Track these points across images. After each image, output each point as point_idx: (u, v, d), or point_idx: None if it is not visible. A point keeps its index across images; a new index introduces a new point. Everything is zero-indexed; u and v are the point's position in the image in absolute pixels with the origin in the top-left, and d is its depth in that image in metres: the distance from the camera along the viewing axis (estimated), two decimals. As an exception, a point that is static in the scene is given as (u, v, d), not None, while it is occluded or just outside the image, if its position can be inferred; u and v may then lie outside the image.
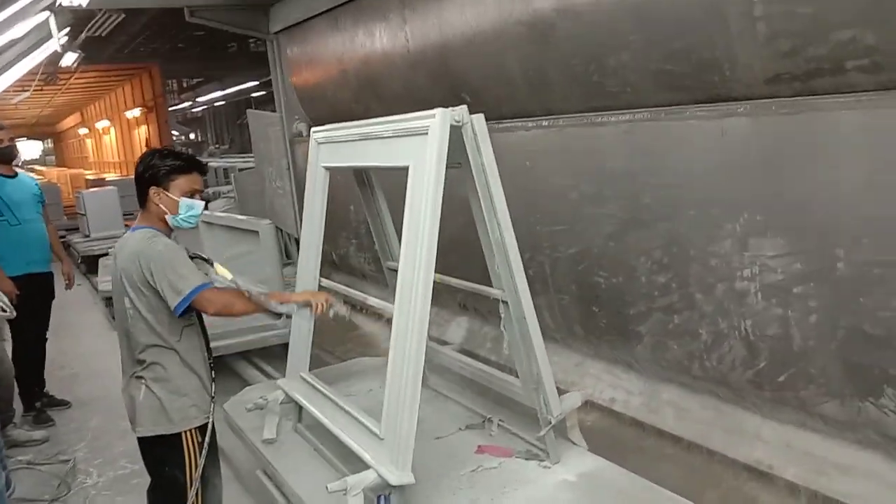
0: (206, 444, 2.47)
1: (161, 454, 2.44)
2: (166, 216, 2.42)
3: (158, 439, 2.40)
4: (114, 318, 2.65)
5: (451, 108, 2.13)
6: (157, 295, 2.32)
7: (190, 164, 2.48)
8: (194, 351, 2.45)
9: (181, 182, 2.42)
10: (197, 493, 2.44)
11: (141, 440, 2.44)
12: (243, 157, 17.22)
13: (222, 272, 2.59)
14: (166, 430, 2.38)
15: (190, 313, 2.39)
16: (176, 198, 2.41)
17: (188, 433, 2.41)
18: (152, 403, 2.37)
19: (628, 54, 3.09)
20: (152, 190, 2.40)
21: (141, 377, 2.39)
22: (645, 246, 3.18)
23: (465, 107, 2.17)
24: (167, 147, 2.37)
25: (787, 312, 2.73)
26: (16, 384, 4.54)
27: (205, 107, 26.38)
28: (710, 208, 2.86)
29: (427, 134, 2.12)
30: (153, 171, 2.40)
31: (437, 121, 2.10)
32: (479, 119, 2.20)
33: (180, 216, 2.42)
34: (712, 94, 2.88)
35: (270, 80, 6.88)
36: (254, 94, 19.39)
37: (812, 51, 2.44)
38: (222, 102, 24.44)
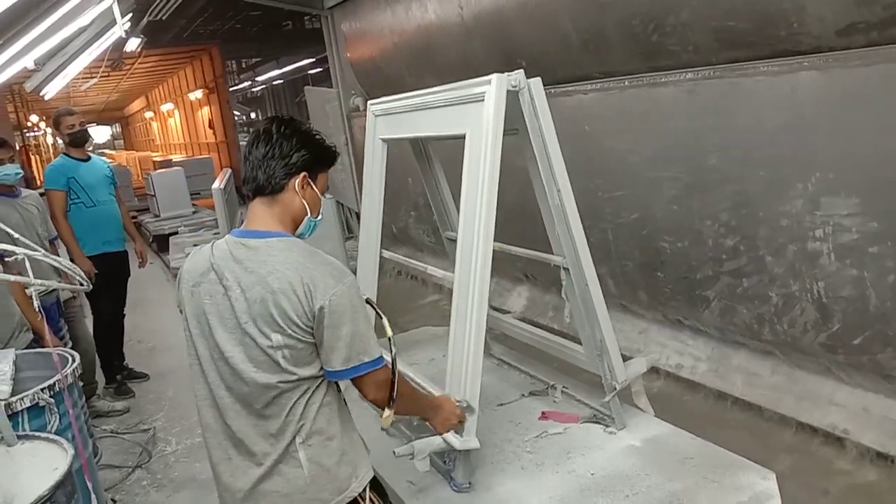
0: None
1: None
2: (305, 217, 1.70)
3: None
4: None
5: (507, 73, 2.10)
6: (304, 336, 1.60)
7: (335, 153, 1.78)
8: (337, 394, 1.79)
9: (325, 175, 1.75)
10: None
11: None
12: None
13: (388, 331, 1.91)
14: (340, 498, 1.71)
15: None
16: (321, 195, 1.73)
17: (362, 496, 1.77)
18: (319, 473, 1.70)
19: (688, 12, 2.99)
20: (301, 177, 1.66)
21: (292, 452, 1.68)
22: (711, 209, 3.10)
23: (521, 71, 2.13)
24: (302, 122, 1.69)
25: (862, 273, 2.63)
26: (97, 358, 4.78)
27: (263, 86, 26.77)
28: (780, 168, 2.77)
29: (483, 100, 2.10)
30: (305, 152, 1.66)
31: (494, 86, 2.07)
32: (536, 83, 2.16)
33: (317, 219, 1.74)
34: (778, 49, 2.77)
35: (326, 56, 6.92)
36: (310, 72, 19.54)
37: (890, -4, 2.31)
38: (280, 81, 24.75)
